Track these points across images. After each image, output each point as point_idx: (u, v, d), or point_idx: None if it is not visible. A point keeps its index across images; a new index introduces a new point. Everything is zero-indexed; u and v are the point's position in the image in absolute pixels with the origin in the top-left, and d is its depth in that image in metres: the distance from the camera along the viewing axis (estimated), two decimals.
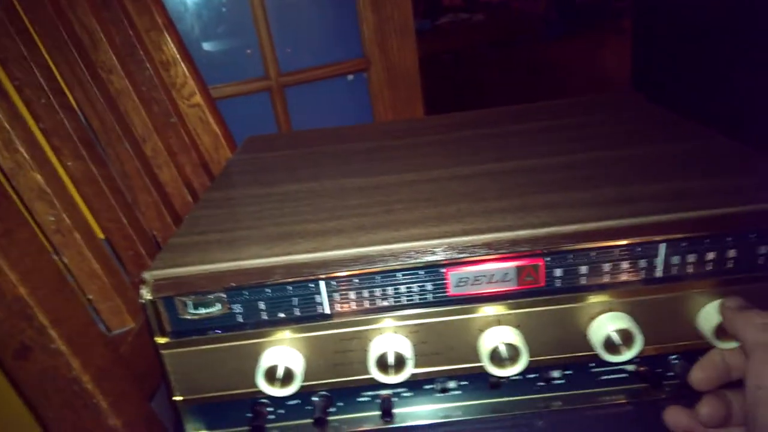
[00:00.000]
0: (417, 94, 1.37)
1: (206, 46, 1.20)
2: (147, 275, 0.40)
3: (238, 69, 1.21)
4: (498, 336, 0.40)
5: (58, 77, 0.52)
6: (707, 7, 1.41)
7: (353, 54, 1.28)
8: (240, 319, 0.40)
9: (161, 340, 0.41)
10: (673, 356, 0.44)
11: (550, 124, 0.64)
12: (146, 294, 0.39)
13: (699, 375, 0.40)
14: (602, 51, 4.05)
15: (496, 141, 0.61)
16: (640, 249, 0.40)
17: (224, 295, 0.40)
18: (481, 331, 0.41)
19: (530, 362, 0.40)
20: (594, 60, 3.85)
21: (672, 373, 0.44)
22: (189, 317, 0.40)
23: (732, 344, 0.39)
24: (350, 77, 1.30)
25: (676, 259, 0.40)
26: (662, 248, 0.40)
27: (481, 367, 0.41)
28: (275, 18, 1.19)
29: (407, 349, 0.40)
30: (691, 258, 0.40)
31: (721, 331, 0.40)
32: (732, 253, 0.40)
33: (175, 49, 0.72)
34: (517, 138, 0.61)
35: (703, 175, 0.46)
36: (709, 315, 0.41)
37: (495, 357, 0.40)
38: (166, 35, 0.71)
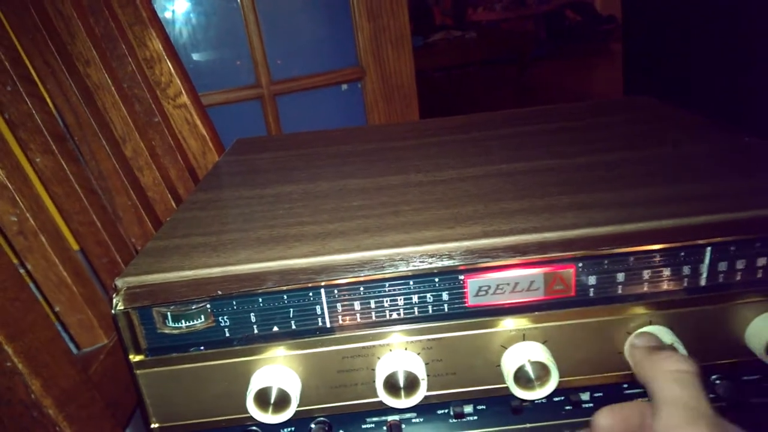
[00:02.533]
0: (413, 106, 1.33)
1: (196, 53, 1.15)
2: (119, 282, 0.34)
3: (228, 77, 1.17)
4: (524, 353, 0.35)
5: (27, 63, 0.47)
6: (695, 18, 1.40)
7: (348, 63, 1.24)
8: (227, 333, 0.35)
9: (136, 358, 0.35)
10: (716, 376, 0.39)
11: (563, 125, 0.60)
12: (118, 304, 0.34)
13: (602, 422, 0.33)
14: (590, 71, 4.08)
15: (508, 142, 0.56)
16: (683, 254, 0.35)
17: (209, 306, 0.34)
18: (504, 347, 0.36)
19: (558, 383, 0.35)
20: (582, 79, 3.86)
21: (714, 395, 0.39)
22: (168, 331, 0.35)
23: None
24: (344, 86, 1.26)
25: (723, 265, 0.36)
26: (708, 252, 0.35)
27: (502, 389, 0.36)
28: (268, 25, 1.15)
29: (420, 369, 0.35)
30: (741, 264, 0.36)
31: None
32: None
33: (160, 46, 0.67)
34: (529, 139, 0.57)
35: (740, 175, 0.42)
36: (760, 329, 0.36)
37: (521, 377, 0.35)
38: (151, 30, 0.66)
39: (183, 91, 0.70)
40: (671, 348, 0.34)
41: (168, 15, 1.11)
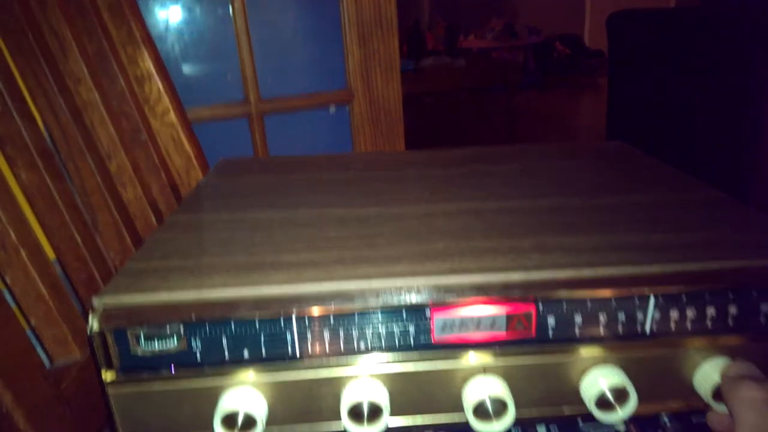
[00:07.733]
0: (399, 131, 1.35)
1: (187, 67, 1.17)
2: (96, 301, 0.36)
3: (217, 94, 1.18)
4: (484, 388, 0.36)
5: (20, 82, 0.48)
6: (678, 63, 1.44)
7: (337, 85, 1.26)
8: (198, 356, 0.36)
9: (108, 377, 0.36)
10: (667, 417, 0.41)
11: (537, 166, 0.63)
12: (94, 324, 0.35)
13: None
14: (576, 103, 4.16)
15: (482, 180, 0.58)
16: (637, 300, 0.37)
17: (182, 329, 0.35)
18: (466, 381, 0.37)
19: (516, 417, 0.37)
20: (568, 111, 3.94)
21: None
22: (141, 352, 0.36)
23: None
24: (332, 109, 1.28)
25: (673, 313, 0.38)
26: (654, 301, 0.37)
27: (463, 420, 0.38)
28: (259, 44, 1.17)
29: (383, 398, 0.36)
30: (690, 312, 0.38)
31: (720, 393, 0.37)
32: (733, 309, 0.38)
33: (151, 65, 0.68)
34: (502, 178, 0.59)
35: (695, 226, 0.44)
36: (706, 374, 0.38)
37: (480, 411, 0.36)
38: (143, 50, 0.68)
39: (171, 109, 0.71)
40: (758, 375, 0.35)
41: (161, 30, 1.12)
